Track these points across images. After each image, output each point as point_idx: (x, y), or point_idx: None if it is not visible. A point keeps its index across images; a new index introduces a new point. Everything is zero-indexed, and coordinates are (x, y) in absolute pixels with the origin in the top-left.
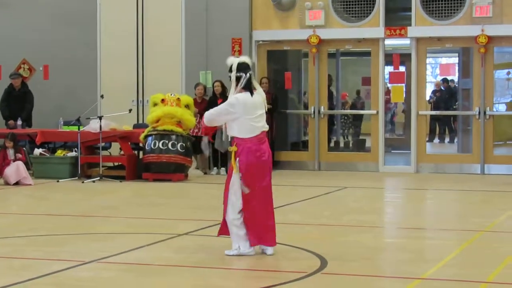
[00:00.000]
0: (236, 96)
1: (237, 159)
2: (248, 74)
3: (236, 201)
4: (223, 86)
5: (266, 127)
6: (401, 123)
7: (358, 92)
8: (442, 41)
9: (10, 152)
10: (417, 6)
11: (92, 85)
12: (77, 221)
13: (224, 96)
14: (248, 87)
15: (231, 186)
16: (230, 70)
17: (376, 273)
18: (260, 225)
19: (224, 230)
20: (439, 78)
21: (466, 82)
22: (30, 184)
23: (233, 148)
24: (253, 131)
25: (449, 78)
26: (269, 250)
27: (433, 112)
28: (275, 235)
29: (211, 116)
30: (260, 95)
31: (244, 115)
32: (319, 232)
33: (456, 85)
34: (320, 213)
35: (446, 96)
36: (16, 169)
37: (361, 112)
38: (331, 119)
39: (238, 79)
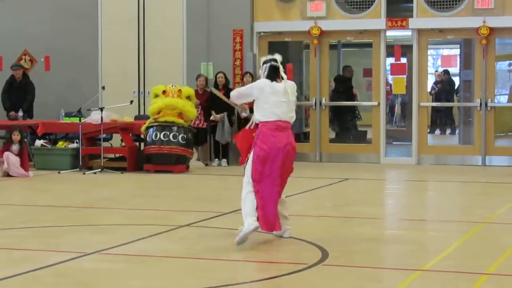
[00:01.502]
0: (256, 81)
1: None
2: (268, 64)
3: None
4: (226, 77)
5: (289, 117)
6: (399, 114)
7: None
8: (444, 33)
9: (14, 148)
10: None
11: (93, 77)
12: (78, 213)
13: (226, 88)
14: (269, 76)
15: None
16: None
17: (377, 264)
18: (268, 212)
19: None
20: (441, 69)
21: (468, 73)
22: (27, 176)
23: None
24: (269, 116)
25: (450, 70)
26: (286, 233)
27: (435, 104)
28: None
29: (236, 93)
30: (285, 84)
31: (260, 99)
32: (320, 223)
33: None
34: (321, 205)
35: (447, 87)
36: (15, 162)
37: (363, 103)
38: (337, 110)
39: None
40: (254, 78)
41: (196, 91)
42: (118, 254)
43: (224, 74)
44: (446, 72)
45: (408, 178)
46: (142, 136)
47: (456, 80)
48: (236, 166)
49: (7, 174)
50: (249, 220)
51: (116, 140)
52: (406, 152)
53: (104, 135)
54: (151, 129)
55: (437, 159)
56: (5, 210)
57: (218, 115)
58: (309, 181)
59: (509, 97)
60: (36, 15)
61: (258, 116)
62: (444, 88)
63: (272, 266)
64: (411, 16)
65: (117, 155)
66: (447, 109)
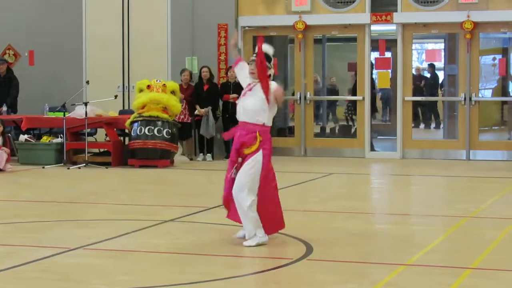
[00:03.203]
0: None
1: (260, 149)
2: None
3: (254, 186)
4: (210, 72)
5: None
6: (382, 109)
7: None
8: (428, 27)
9: None
10: None
11: (77, 71)
12: (62, 208)
13: (211, 82)
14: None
15: (248, 169)
16: (269, 59)
17: (361, 259)
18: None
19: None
20: (425, 64)
21: (452, 68)
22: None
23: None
24: (271, 122)
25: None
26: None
27: (419, 98)
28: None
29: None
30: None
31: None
32: (305, 218)
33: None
34: (306, 199)
35: (431, 82)
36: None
37: (348, 98)
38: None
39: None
40: None
41: (180, 85)
42: (102, 249)
43: (209, 69)
44: (430, 65)
45: (392, 172)
46: (126, 130)
47: (441, 75)
48: (221, 161)
49: None
50: (262, 232)
51: (101, 134)
52: (390, 147)
53: (89, 130)
54: (135, 124)
55: (422, 153)
56: None
57: (203, 110)
58: (294, 175)
59: (493, 92)
60: (20, 10)
61: (268, 120)
62: (428, 82)
63: (256, 261)
64: (396, 11)
65: (102, 149)
66: (431, 103)
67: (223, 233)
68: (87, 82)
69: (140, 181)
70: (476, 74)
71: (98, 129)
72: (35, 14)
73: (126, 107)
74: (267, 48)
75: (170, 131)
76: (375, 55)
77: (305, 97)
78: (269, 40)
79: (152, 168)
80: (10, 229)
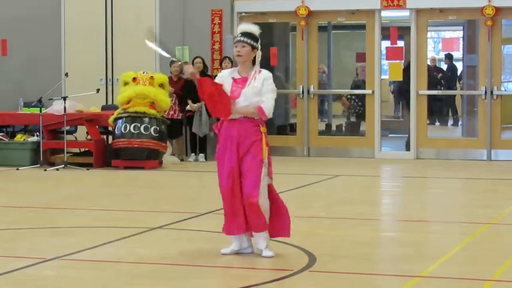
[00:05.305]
0: (267, 72)
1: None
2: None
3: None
4: (204, 63)
5: None
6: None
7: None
8: (445, 13)
9: None
10: None
11: (55, 62)
12: (38, 214)
13: (204, 75)
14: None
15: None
16: (256, 39)
17: (370, 270)
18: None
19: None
20: (441, 54)
21: (471, 58)
22: None
23: (263, 129)
24: None
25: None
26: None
27: (435, 92)
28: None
29: (273, 107)
30: None
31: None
32: (307, 225)
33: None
34: (309, 204)
35: (448, 74)
36: None
37: (355, 91)
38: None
39: (254, 47)
40: (233, 64)
41: (170, 78)
42: (82, 260)
43: (202, 59)
44: (448, 56)
45: (405, 174)
46: (110, 128)
47: (459, 66)
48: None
49: None
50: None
51: (81, 133)
52: (403, 146)
53: (68, 128)
54: (120, 121)
55: (438, 153)
56: None
57: (195, 105)
58: (296, 178)
59: None
60: None
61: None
62: (445, 75)
63: (253, 273)
64: None
65: (82, 149)
66: (448, 97)
67: (216, 242)
68: (66, 75)
69: (125, 184)
70: (498, 65)
71: (79, 127)
72: None
73: (110, 102)
74: (249, 27)
75: (158, 128)
76: (386, 44)
77: (308, 91)
78: (268, 27)
79: (138, 170)
80: None
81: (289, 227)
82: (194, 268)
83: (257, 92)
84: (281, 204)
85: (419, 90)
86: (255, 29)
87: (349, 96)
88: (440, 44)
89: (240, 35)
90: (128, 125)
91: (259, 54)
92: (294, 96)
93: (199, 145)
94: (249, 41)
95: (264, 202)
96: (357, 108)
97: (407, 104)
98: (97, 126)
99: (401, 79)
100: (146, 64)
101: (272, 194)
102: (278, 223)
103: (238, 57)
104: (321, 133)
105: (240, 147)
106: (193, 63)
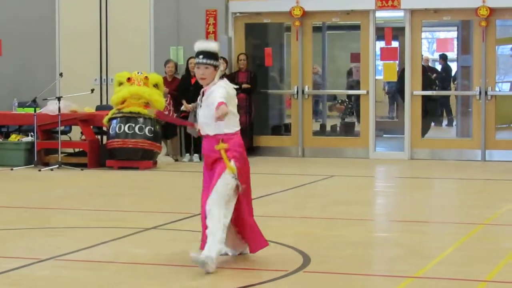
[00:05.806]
0: (226, 82)
1: (231, 159)
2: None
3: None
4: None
5: None
6: (389, 104)
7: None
8: (439, 14)
9: None
10: None
11: (50, 62)
12: (32, 214)
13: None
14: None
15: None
16: (217, 58)
17: (364, 271)
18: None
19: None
20: (436, 55)
21: (466, 59)
22: None
23: (222, 146)
24: (238, 124)
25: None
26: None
27: (429, 92)
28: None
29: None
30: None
31: (233, 104)
32: (302, 225)
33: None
34: (304, 205)
35: (443, 74)
36: None
37: (349, 92)
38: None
39: (217, 66)
40: (228, 64)
41: (164, 78)
42: (76, 260)
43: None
44: (442, 56)
45: (400, 174)
46: (104, 128)
47: (453, 66)
48: None
49: None
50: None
51: (76, 133)
52: (397, 146)
53: (62, 128)
54: (114, 121)
55: (432, 153)
56: None
57: (190, 105)
58: (290, 178)
59: None
60: None
61: (228, 127)
62: (440, 75)
63: (247, 273)
64: None
65: (77, 149)
66: (443, 98)
67: None
68: (61, 75)
69: (119, 185)
70: (492, 66)
71: (73, 127)
72: None
73: (104, 102)
74: (208, 45)
75: (152, 129)
76: (380, 44)
77: (303, 91)
78: (263, 28)
79: (132, 170)
80: None
81: (263, 236)
82: (188, 268)
83: (212, 105)
84: (252, 223)
85: (413, 90)
86: (214, 46)
87: (340, 100)
88: (434, 45)
89: (201, 56)
90: (122, 125)
91: (220, 70)
92: (288, 97)
93: (194, 146)
94: (211, 62)
95: (215, 210)
96: (351, 110)
97: (402, 104)
98: (91, 126)
99: (395, 79)
100: (141, 64)
101: (242, 214)
102: (255, 238)
103: (202, 80)
104: (315, 133)
105: (210, 164)
106: (187, 63)
